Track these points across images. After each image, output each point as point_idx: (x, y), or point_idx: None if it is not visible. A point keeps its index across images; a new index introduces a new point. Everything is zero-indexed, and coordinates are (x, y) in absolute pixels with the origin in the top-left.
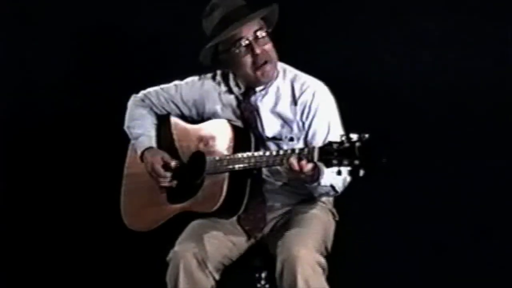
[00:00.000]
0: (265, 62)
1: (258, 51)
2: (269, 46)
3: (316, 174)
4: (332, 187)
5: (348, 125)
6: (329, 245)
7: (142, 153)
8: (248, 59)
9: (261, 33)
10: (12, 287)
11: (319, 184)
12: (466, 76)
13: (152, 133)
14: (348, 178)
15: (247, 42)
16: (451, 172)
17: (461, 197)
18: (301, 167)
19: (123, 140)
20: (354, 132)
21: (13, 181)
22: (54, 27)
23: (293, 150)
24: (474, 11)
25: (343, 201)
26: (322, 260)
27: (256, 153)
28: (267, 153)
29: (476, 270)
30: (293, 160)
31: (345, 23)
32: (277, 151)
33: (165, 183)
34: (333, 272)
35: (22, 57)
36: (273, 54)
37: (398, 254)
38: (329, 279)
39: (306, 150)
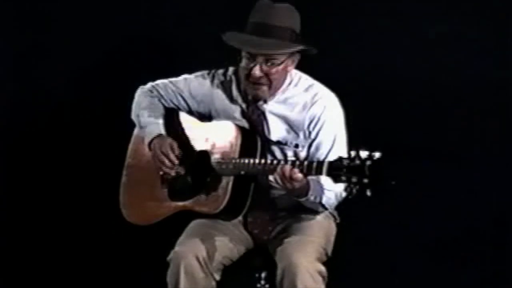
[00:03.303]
0: (260, 84)
1: (256, 74)
2: (276, 70)
3: (304, 190)
4: (322, 205)
5: (349, 125)
6: (330, 250)
7: (151, 141)
8: (245, 73)
9: (274, 61)
10: (11, 286)
11: (307, 199)
12: (468, 77)
13: (161, 121)
14: (344, 194)
15: (252, 60)
16: (453, 173)
17: (462, 198)
18: (291, 175)
19: (126, 136)
20: (364, 149)
21: (13, 175)
22: (55, 24)
23: (301, 162)
24: (474, 12)
25: (343, 202)
26: (323, 269)
27: (263, 161)
28: (275, 162)
29: (476, 271)
30: (287, 166)
31: (346, 24)
32: (286, 161)
33: (169, 169)
34: (332, 274)
35: (22, 54)
36: (276, 78)
37: (399, 255)
38: (329, 281)
39: (315, 163)
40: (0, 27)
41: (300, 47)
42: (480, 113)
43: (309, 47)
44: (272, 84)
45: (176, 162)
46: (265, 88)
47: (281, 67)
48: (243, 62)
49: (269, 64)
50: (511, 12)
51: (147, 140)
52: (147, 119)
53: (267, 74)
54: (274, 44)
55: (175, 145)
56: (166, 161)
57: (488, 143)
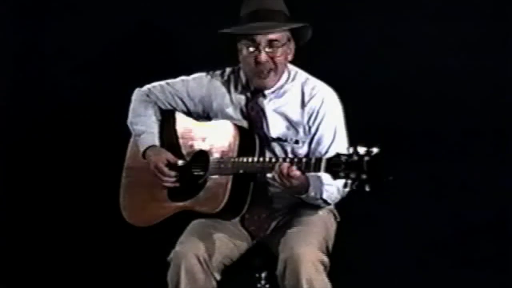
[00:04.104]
0: (269, 71)
1: (262, 59)
2: (279, 54)
3: (303, 187)
4: (324, 200)
5: (347, 122)
6: (330, 245)
7: (145, 151)
8: (251, 61)
9: (276, 43)
10: (11, 286)
11: (308, 196)
12: (467, 76)
13: (155, 130)
14: (346, 189)
15: (256, 47)
16: (452, 172)
17: (462, 198)
18: (289, 173)
19: (126, 134)
20: (362, 145)
21: (13, 176)
22: (57, 22)
23: (300, 160)
24: (474, 12)
25: (344, 201)
26: (325, 258)
27: (261, 159)
28: (274, 160)
29: (476, 271)
30: (285, 164)
31: (346, 21)
32: (285, 159)
33: (169, 183)
34: (333, 273)
35: (22, 54)
36: (281, 62)
37: (399, 254)
38: (329, 280)
39: (313, 160)
40: (0, 27)
41: (297, 25)
42: (480, 112)
43: (304, 24)
44: (278, 69)
45: (172, 175)
46: (271, 74)
47: (282, 49)
48: (245, 52)
49: (272, 48)
50: (511, 12)
51: (141, 150)
52: (141, 128)
53: (272, 58)
54: (275, 25)
55: (170, 156)
56: (163, 177)
57: (488, 142)
